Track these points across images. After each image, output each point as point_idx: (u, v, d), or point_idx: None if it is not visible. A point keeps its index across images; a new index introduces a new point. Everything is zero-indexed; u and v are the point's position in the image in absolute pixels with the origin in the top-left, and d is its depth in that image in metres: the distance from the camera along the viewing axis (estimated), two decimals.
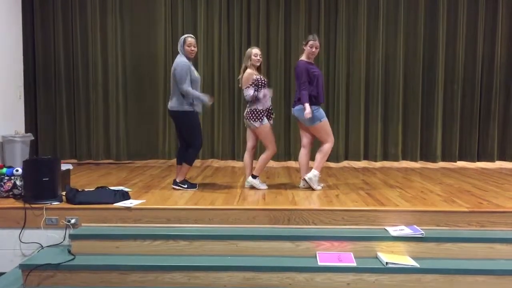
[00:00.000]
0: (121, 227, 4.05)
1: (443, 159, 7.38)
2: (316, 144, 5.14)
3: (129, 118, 7.35)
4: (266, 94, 4.93)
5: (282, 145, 7.29)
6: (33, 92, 7.22)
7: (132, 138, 7.37)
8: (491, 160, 7.32)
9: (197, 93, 4.80)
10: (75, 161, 7.23)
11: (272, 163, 7.17)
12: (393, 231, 3.88)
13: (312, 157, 5.10)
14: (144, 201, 4.35)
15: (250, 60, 4.93)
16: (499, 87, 7.29)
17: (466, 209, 4.09)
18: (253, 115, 4.90)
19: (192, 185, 5.03)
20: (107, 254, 3.83)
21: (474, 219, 4.03)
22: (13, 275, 3.80)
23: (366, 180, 5.74)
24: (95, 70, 7.26)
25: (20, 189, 4.38)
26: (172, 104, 4.84)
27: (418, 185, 5.38)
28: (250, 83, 4.87)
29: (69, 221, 4.05)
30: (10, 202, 4.26)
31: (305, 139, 5.08)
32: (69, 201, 4.23)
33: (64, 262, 3.65)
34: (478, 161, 7.37)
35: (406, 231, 3.87)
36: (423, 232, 3.81)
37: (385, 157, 7.43)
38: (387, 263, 3.58)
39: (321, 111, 4.93)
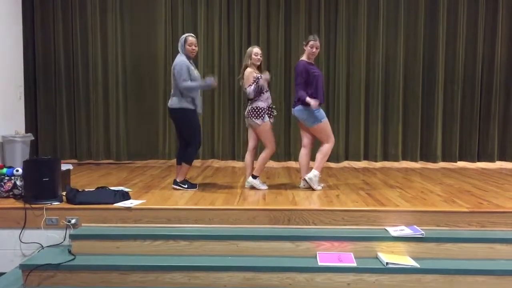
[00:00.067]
0: (121, 227, 4.05)
1: (443, 159, 7.38)
2: (316, 144, 5.14)
3: (129, 118, 7.35)
4: (265, 78, 4.91)
5: (282, 145, 7.29)
6: (33, 92, 7.22)
7: (132, 138, 7.37)
8: (491, 160, 7.32)
9: (196, 83, 4.77)
10: (75, 161, 7.24)
11: (272, 163, 7.17)
12: (393, 231, 3.88)
13: (312, 157, 5.10)
14: (144, 201, 4.35)
15: (251, 59, 4.94)
16: (499, 87, 7.29)
17: (466, 209, 4.09)
18: (255, 112, 4.90)
19: (192, 185, 5.03)
20: (108, 254, 3.83)
21: (474, 219, 4.03)
22: (13, 275, 3.80)
23: (366, 180, 5.74)
24: (95, 70, 7.27)
25: (20, 189, 4.38)
26: (172, 102, 4.84)
27: (418, 185, 5.38)
28: (252, 82, 4.87)
29: (69, 221, 4.05)
30: (10, 202, 4.26)
31: (306, 139, 5.08)
32: (69, 201, 4.23)
33: (64, 262, 3.65)
34: (478, 161, 7.37)
35: (406, 231, 3.87)
36: (423, 232, 3.81)
37: (385, 157, 7.43)
38: (387, 263, 3.59)
39: (321, 112, 4.94)
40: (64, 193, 4.36)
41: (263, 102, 4.92)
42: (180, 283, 3.63)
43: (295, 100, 5.01)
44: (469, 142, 7.37)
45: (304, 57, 4.96)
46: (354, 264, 3.60)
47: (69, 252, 3.84)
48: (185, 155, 4.90)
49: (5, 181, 4.41)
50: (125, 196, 4.39)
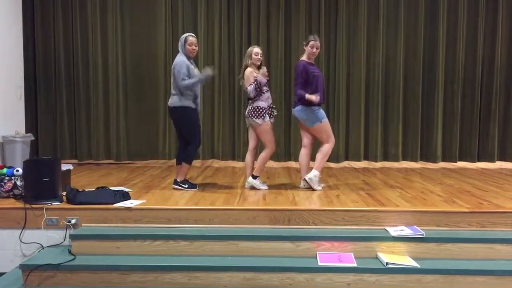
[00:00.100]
0: (121, 227, 4.05)
1: (444, 160, 7.38)
2: (316, 144, 5.14)
3: (129, 118, 7.36)
4: (262, 72, 4.90)
5: (283, 146, 7.30)
6: (34, 92, 7.22)
7: (132, 138, 7.38)
8: (491, 160, 7.33)
9: (194, 79, 4.74)
10: (75, 161, 7.24)
11: (273, 164, 7.18)
12: (394, 231, 3.88)
13: (312, 158, 5.10)
14: (145, 201, 4.35)
15: (251, 59, 4.94)
16: (499, 88, 7.29)
17: (466, 210, 4.09)
18: (255, 112, 4.90)
19: (192, 185, 5.03)
20: (108, 254, 3.83)
21: (475, 219, 4.03)
22: (13, 275, 3.80)
23: (367, 181, 5.74)
24: (95, 70, 7.27)
25: (21, 189, 4.38)
26: (172, 101, 4.84)
27: (419, 186, 5.38)
28: (252, 81, 4.87)
29: (69, 221, 4.05)
30: (11, 202, 4.26)
31: (306, 139, 5.08)
32: (69, 201, 4.23)
33: (65, 262, 3.65)
34: (479, 161, 7.37)
35: (406, 231, 3.87)
36: (423, 233, 3.81)
37: (386, 158, 7.43)
38: (387, 263, 3.58)
39: (321, 112, 4.94)
40: (64, 193, 4.36)
41: (264, 102, 4.92)
42: (180, 283, 3.63)
43: (295, 100, 5.01)
44: (469, 142, 7.37)
45: (304, 57, 4.96)
46: (354, 264, 3.60)
47: (69, 252, 3.84)
48: (185, 155, 4.90)
49: (5, 181, 4.41)
50: (125, 196, 4.39)
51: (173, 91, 4.85)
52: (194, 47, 4.84)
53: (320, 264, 3.61)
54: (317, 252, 3.77)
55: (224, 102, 7.38)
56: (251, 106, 4.95)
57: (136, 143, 7.38)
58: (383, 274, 3.56)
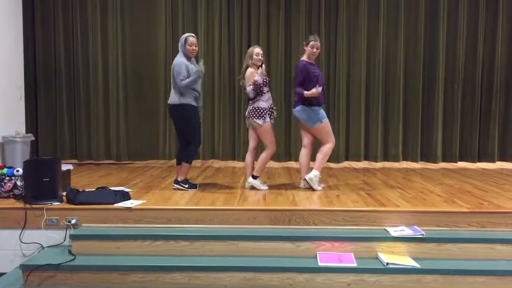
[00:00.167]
0: (121, 227, 4.05)
1: (444, 160, 7.38)
2: (317, 145, 5.14)
3: (130, 118, 7.36)
4: (261, 71, 4.89)
5: (283, 146, 7.29)
6: (34, 92, 7.23)
7: (132, 138, 7.38)
8: (492, 160, 7.32)
9: (191, 77, 4.71)
10: (75, 161, 7.24)
11: (273, 164, 7.17)
12: (394, 231, 3.88)
13: (312, 158, 5.10)
14: (145, 201, 4.35)
15: (251, 60, 4.93)
16: (500, 87, 7.29)
17: (466, 210, 4.09)
18: (256, 113, 4.90)
19: (193, 186, 5.03)
20: (108, 254, 3.83)
21: (475, 219, 4.03)
22: (13, 275, 3.80)
23: (367, 181, 5.74)
24: (95, 70, 7.28)
25: (21, 189, 4.38)
26: (172, 99, 4.83)
27: (419, 186, 5.38)
28: (252, 82, 4.87)
29: (69, 222, 4.05)
30: (11, 203, 4.26)
31: (306, 139, 5.08)
32: (69, 201, 4.23)
33: (65, 263, 3.65)
34: (479, 161, 7.36)
35: (406, 231, 3.87)
36: (423, 233, 3.81)
37: (386, 158, 7.43)
38: (387, 263, 3.58)
39: (322, 112, 4.94)
40: (64, 193, 4.36)
41: (264, 103, 4.91)
42: (180, 284, 3.63)
43: (295, 100, 5.02)
44: (469, 143, 7.37)
45: (304, 57, 4.96)
46: (355, 265, 3.60)
47: (69, 252, 3.84)
48: (185, 155, 4.89)
49: (6, 181, 4.41)
50: (126, 196, 4.39)
51: (173, 90, 4.85)
52: (194, 47, 4.83)
53: (320, 264, 3.61)
54: (317, 252, 3.77)
55: (224, 102, 7.38)
56: (251, 107, 4.95)
57: (136, 143, 7.38)
58: (383, 274, 3.56)
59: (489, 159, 7.33)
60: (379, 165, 7.34)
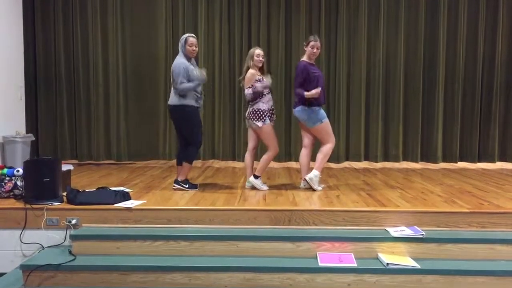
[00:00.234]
0: (121, 227, 4.05)
1: (444, 160, 7.38)
2: (317, 145, 5.14)
3: (130, 118, 7.36)
4: (265, 84, 4.89)
5: (283, 146, 7.29)
6: (34, 92, 7.23)
7: (132, 139, 7.38)
8: (492, 160, 7.32)
9: (190, 83, 4.72)
10: (75, 161, 7.24)
11: (273, 164, 7.16)
12: (394, 231, 3.88)
13: (313, 158, 5.10)
14: (145, 201, 4.35)
15: (252, 61, 4.93)
16: (500, 87, 7.28)
17: (466, 210, 4.09)
18: (256, 115, 4.90)
19: (193, 186, 5.03)
20: (108, 254, 3.83)
21: (475, 220, 4.03)
22: (13, 275, 3.80)
23: (367, 181, 5.74)
24: (95, 70, 7.28)
25: (21, 189, 4.39)
26: (172, 99, 4.83)
27: (419, 186, 5.38)
28: (251, 84, 4.87)
29: (69, 222, 4.05)
30: (11, 203, 4.27)
31: (306, 140, 5.07)
32: (69, 201, 4.23)
33: (65, 263, 3.65)
34: (479, 161, 7.36)
35: (406, 231, 3.87)
36: (423, 233, 3.81)
37: (386, 158, 7.43)
38: (387, 263, 3.58)
39: (322, 112, 4.94)
40: (64, 194, 4.36)
41: (264, 104, 4.91)
42: (180, 284, 3.63)
43: (295, 100, 5.01)
44: (469, 143, 7.37)
45: (304, 58, 4.96)
46: (355, 265, 3.60)
47: (70, 252, 3.84)
48: (186, 155, 4.89)
49: (6, 181, 4.42)
50: (126, 196, 4.39)
51: (172, 90, 4.85)
52: (194, 48, 4.83)
53: (321, 264, 3.61)
54: (318, 253, 3.77)
55: (224, 102, 7.38)
56: (251, 108, 4.95)
57: (137, 143, 7.39)
58: (384, 275, 3.56)
59: (489, 159, 7.33)
60: (379, 165, 7.34)
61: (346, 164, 7.41)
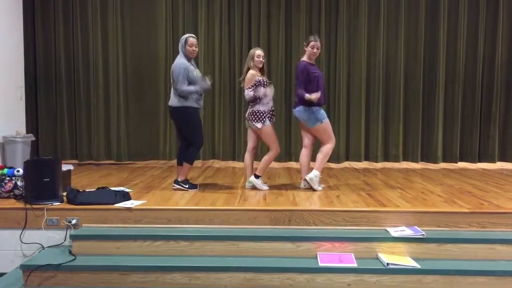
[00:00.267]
0: (121, 227, 4.05)
1: (444, 160, 7.38)
2: (317, 145, 5.14)
3: (130, 118, 7.36)
4: (267, 93, 4.91)
5: (283, 146, 7.29)
6: (34, 92, 7.23)
7: (132, 139, 7.38)
8: (492, 161, 7.32)
9: (192, 87, 4.73)
10: (75, 161, 7.24)
11: (273, 164, 7.13)
12: (394, 231, 3.88)
13: (313, 158, 5.10)
14: (145, 201, 4.35)
15: (253, 61, 4.93)
16: (500, 88, 7.28)
17: (467, 210, 4.09)
18: (255, 116, 4.90)
19: (193, 186, 5.03)
20: (108, 254, 3.83)
21: (475, 220, 4.03)
22: (13, 275, 3.80)
23: (367, 181, 5.74)
24: (95, 70, 7.28)
25: (21, 189, 4.39)
26: (173, 101, 4.83)
27: (419, 186, 5.38)
28: (252, 85, 4.87)
29: (70, 222, 4.05)
30: (11, 203, 4.27)
31: (307, 140, 5.07)
32: (70, 201, 4.23)
33: (65, 263, 3.65)
34: (479, 161, 7.36)
35: (407, 232, 3.87)
36: (423, 233, 3.81)
37: (386, 158, 7.43)
38: (388, 264, 3.58)
39: (322, 112, 4.94)
40: (64, 194, 4.36)
41: (264, 106, 4.91)
42: (180, 284, 3.63)
43: (295, 101, 5.01)
44: (470, 143, 7.37)
45: (305, 58, 4.96)
46: (355, 265, 3.60)
47: (70, 252, 3.84)
48: (187, 155, 4.89)
49: (6, 181, 4.42)
50: (126, 196, 4.39)
51: (173, 92, 4.85)
52: (194, 48, 4.83)
53: (321, 264, 3.61)
54: (318, 253, 3.77)
55: (224, 102, 7.38)
56: (251, 109, 4.95)
57: (137, 143, 7.39)
58: (384, 275, 3.56)
59: (490, 159, 7.33)
60: (379, 165, 7.34)
61: (346, 164, 7.42)
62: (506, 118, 7.34)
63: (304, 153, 5.06)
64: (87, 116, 7.30)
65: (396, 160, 7.37)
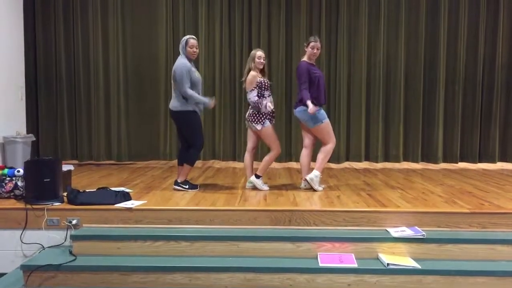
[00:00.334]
0: (122, 228, 4.05)
1: (444, 160, 7.38)
2: (317, 145, 5.14)
3: (130, 118, 7.36)
4: (268, 108, 4.91)
5: (284, 146, 7.28)
6: (35, 93, 7.24)
7: (133, 139, 7.38)
8: (493, 161, 7.32)
9: (199, 97, 4.80)
10: (76, 161, 7.25)
11: (274, 164, 7.12)
12: (394, 232, 3.88)
13: (313, 158, 5.10)
14: (145, 202, 4.35)
15: (254, 63, 4.94)
16: (500, 88, 7.28)
17: (467, 210, 4.09)
18: (255, 117, 4.90)
19: (193, 186, 5.03)
20: (108, 255, 3.83)
21: (475, 220, 4.03)
22: (14, 275, 3.80)
23: (367, 181, 5.74)
24: (96, 71, 7.28)
25: (22, 190, 4.39)
26: (173, 104, 4.84)
27: (419, 186, 5.38)
28: (254, 86, 4.88)
29: (70, 222, 4.05)
30: (12, 203, 4.27)
31: (307, 140, 5.07)
32: (70, 202, 4.23)
33: (65, 263, 3.65)
34: (479, 162, 7.36)
35: (407, 232, 3.87)
36: (424, 233, 3.81)
37: (386, 158, 7.42)
38: (388, 264, 3.58)
39: (322, 112, 4.94)
40: (65, 194, 4.36)
41: (264, 107, 4.91)
42: (181, 284, 3.63)
43: (296, 101, 5.02)
44: (470, 143, 7.36)
45: (305, 58, 4.96)
46: (355, 265, 3.60)
47: (70, 252, 3.84)
48: (187, 156, 4.90)
49: (6, 181, 4.42)
50: (126, 196, 4.39)
51: (174, 94, 4.85)
52: (195, 49, 4.83)
53: (321, 264, 3.61)
54: (318, 253, 3.77)
55: (225, 103, 7.38)
56: (251, 110, 4.96)
57: (137, 143, 7.39)
58: (384, 275, 3.56)
59: (490, 159, 7.33)
60: (379, 165, 7.34)
61: (346, 164, 7.41)
62: (506, 118, 7.34)
63: (305, 153, 5.06)
64: (87, 116, 7.30)
65: (397, 160, 7.37)
